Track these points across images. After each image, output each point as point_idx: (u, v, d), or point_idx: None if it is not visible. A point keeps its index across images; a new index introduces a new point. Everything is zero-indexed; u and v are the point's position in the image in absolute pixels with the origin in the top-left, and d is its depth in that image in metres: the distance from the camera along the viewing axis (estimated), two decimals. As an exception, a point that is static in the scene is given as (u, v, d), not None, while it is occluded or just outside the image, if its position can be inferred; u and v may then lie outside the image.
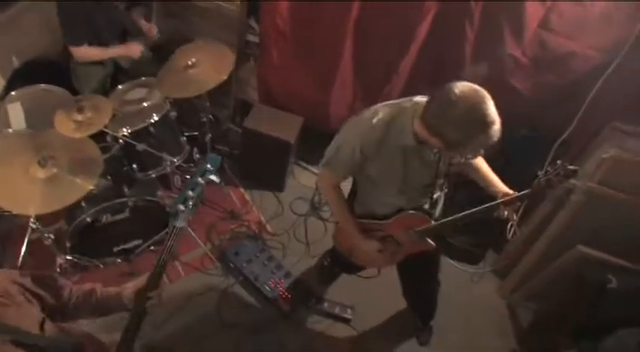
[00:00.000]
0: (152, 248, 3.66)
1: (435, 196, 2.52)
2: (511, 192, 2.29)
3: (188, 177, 3.75)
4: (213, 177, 2.01)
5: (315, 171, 4.38)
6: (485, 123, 1.90)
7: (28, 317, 1.72)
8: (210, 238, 3.87)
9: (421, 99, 2.19)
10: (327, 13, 3.49)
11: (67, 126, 3.05)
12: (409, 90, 3.62)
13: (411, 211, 2.51)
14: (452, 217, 2.42)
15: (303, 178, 4.37)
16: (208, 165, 2.00)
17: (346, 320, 3.57)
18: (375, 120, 2.24)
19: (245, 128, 3.89)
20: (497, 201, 2.26)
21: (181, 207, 1.92)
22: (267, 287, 3.55)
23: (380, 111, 2.27)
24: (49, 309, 1.86)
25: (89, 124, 3.07)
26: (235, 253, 3.70)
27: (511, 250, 3.73)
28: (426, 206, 2.54)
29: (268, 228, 4.01)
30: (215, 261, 3.75)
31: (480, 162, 2.48)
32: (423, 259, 2.77)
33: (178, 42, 3.83)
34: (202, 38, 3.93)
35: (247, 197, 4.19)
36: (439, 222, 2.50)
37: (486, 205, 2.28)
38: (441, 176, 2.44)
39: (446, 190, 2.63)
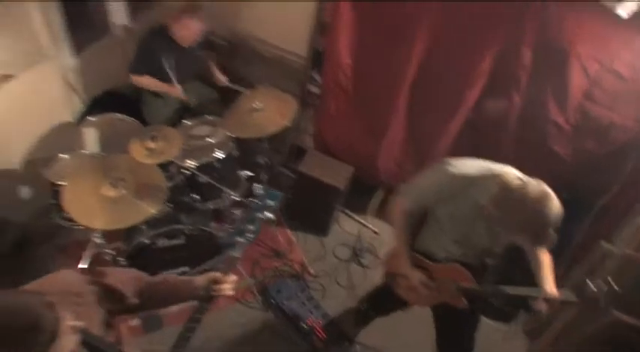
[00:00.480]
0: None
1: (487, 261, 2.63)
2: (555, 292, 2.44)
3: (240, 212, 3.98)
4: (269, 214, 2.17)
5: (360, 219, 4.55)
6: (542, 224, 2.11)
7: (95, 318, 1.83)
8: (254, 273, 4.04)
9: (511, 171, 2.34)
10: (386, 73, 3.73)
11: (140, 152, 3.33)
12: (456, 151, 3.83)
13: (460, 266, 2.61)
14: (493, 289, 2.55)
15: (347, 225, 4.54)
16: (269, 201, 2.18)
17: (377, 365, 3.65)
18: (464, 170, 2.38)
19: (298, 172, 4.10)
20: (537, 295, 2.43)
21: (239, 239, 2.08)
22: (304, 325, 3.68)
23: (474, 166, 2.40)
24: (125, 302, 1.98)
25: (160, 153, 3.34)
26: (277, 290, 3.87)
27: (543, 312, 3.76)
28: (476, 265, 2.64)
29: (310, 269, 4.16)
30: (257, 294, 3.91)
31: (543, 254, 2.56)
32: (463, 315, 2.81)
33: (242, 86, 4.17)
34: (264, 85, 4.22)
35: (293, 238, 4.36)
36: (480, 288, 2.60)
37: (526, 294, 2.46)
38: (500, 248, 2.55)
39: (499, 261, 2.73)
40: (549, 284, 2.49)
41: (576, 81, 3.24)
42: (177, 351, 1.95)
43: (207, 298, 2.01)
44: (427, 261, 2.73)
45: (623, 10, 2.84)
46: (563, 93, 3.31)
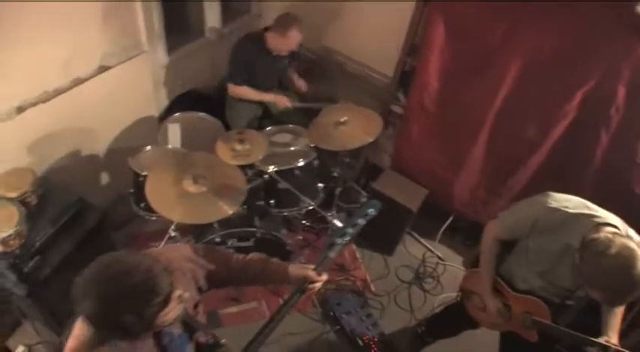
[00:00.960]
0: (261, 282, 3.87)
1: (568, 302, 2.56)
2: (614, 341, 2.35)
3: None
4: (362, 221, 2.23)
5: (426, 244, 4.55)
6: (622, 288, 2.05)
7: (191, 296, 1.91)
8: (316, 284, 4.04)
9: (611, 221, 2.26)
10: (471, 101, 3.71)
11: (226, 153, 3.41)
12: (532, 186, 3.79)
13: (540, 300, 2.57)
14: (567, 330, 2.45)
15: (413, 248, 4.53)
16: (370, 210, 2.24)
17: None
18: (562, 206, 2.33)
19: (373, 189, 4.12)
20: (603, 342, 2.32)
21: (338, 241, 2.15)
22: (360, 341, 3.68)
23: (574, 203, 2.34)
24: (213, 278, 2.06)
25: (246, 155, 3.42)
26: (337, 303, 3.89)
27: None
28: (556, 303, 2.58)
29: (372, 287, 4.16)
30: (317, 306, 3.93)
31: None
32: (530, 349, 2.77)
33: (323, 99, 4.26)
34: (346, 101, 4.27)
35: (358, 255, 4.38)
36: (555, 327, 2.53)
37: (593, 340, 2.34)
38: (583, 292, 2.46)
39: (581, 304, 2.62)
40: (613, 330, 2.42)
41: (668, 123, 3.17)
42: (260, 339, 2.02)
43: (302, 290, 2.09)
44: (507, 288, 2.69)
45: None
46: (654, 136, 3.24)
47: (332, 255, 2.13)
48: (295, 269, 2.14)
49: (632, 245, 2.06)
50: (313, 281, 2.09)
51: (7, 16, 2.81)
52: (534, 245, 2.46)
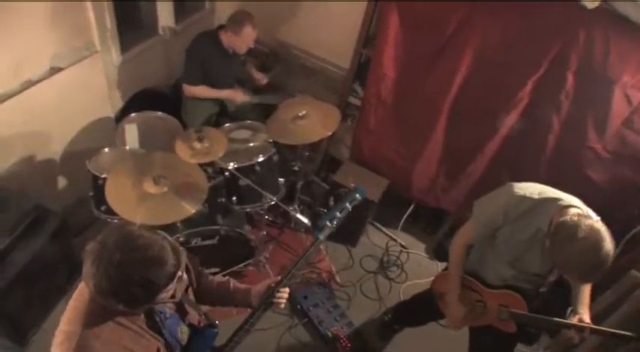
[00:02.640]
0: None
1: (541, 290, 2.62)
2: (587, 319, 2.46)
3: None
4: (349, 206, 2.36)
5: (388, 233, 4.59)
6: (591, 267, 2.11)
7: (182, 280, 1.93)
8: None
9: (575, 203, 2.34)
10: (427, 90, 3.78)
11: (186, 152, 3.37)
12: (490, 172, 3.88)
13: (514, 292, 2.63)
14: (543, 317, 2.55)
15: (376, 238, 4.58)
16: (357, 195, 2.37)
17: (397, 380, 3.66)
18: (528, 193, 2.39)
19: (333, 181, 4.15)
20: (596, 327, 2.45)
21: (328, 224, 2.25)
22: (328, 333, 3.71)
23: (538, 190, 2.41)
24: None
25: (205, 153, 3.38)
26: (304, 296, 3.91)
27: (568, 336, 3.75)
28: (530, 292, 2.66)
29: (337, 278, 4.19)
30: (284, 300, 3.92)
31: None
32: (502, 338, 2.83)
33: (280, 94, 4.29)
34: (303, 94, 4.27)
35: (322, 247, 4.37)
36: (531, 315, 2.60)
37: (569, 323, 2.45)
38: (554, 276, 2.53)
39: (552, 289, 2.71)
40: (584, 308, 2.52)
41: (617, 108, 3.27)
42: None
43: (267, 305, 2.16)
44: (480, 285, 2.75)
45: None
46: (603, 120, 3.34)
47: (322, 236, 2.24)
48: (258, 289, 2.23)
49: (598, 225, 2.14)
50: (279, 291, 2.16)
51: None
52: (504, 235, 2.52)
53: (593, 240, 2.09)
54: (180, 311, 1.99)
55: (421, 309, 3.38)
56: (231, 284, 2.27)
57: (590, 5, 2.75)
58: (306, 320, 3.83)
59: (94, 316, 1.68)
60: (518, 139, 3.73)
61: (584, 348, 3.50)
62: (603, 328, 2.51)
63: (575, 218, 2.17)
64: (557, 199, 2.35)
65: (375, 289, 4.20)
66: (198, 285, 2.18)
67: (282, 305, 2.20)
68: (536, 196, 2.38)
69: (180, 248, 1.68)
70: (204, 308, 2.15)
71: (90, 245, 1.59)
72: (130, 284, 1.55)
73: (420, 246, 4.57)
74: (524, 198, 2.38)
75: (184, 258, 1.69)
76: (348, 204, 2.33)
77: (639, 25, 2.86)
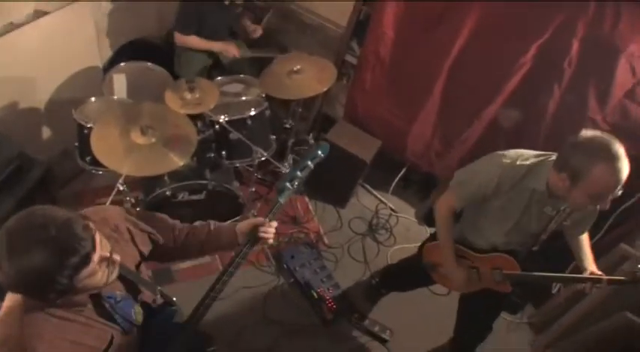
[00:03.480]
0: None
1: (534, 249, 2.62)
2: (597, 271, 2.48)
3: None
4: (310, 164, 2.17)
5: (379, 195, 4.55)
6: (610, 153, 2.05)
7: (130, 256, 1.83)
8: (269, 237, 4.02)
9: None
10: (427, 51, 3.70)
11: (176, 102, 3.29)
12: (486, 138, 3.82)
13: (505, 254, 2.62)
14: (542, 274, 2.57)
15: (366, 200, 4.54)
16: (319, 152, 2.19)
17: (383, 341, 3.65)
18: (519, 162, 2.35)
19: (326, 140, 4.05)
20: (589, 276, 2.46)
21: (288, 185, 2.10)
22: (314, 293, 3.69)
23: (526, 155, 2.38)
24: (159, 249, 1.99)
25: (196, 104, 3.31)
26: (291, 256, 3.87)
27: (552, 306, 3.77)
28: (521, 252, 2.66)
29: (325, 239, 4.17)
30: (271, 259, 3.91)
31: (584, 236, 2.63)
32: (489, 301, 2.85)
33: (274, 49, 4.18)
34: (299, 50, 4.17)
35: (311, 207, 4.37)
36: (528, 274, 2.60)
37: (577, 276, 2.50)
38: (547, 234, 2.53)
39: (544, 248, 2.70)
40: (591, 262, 2.56)
41: (621, 79, 3.21)
42: (212, 294, 1.97)
43: (254, 239, 2.01)
44: (470, 252, 2.72)
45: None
46: (606, 90, 3.28)
47: (282, 200, 2.09)
48: (243, 224, 2.07)
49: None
50: (264, 225, 2.02)
51: None
52: (496, 206, 2.48)
53: (599, 135, 2.12)
54: (132, 291, 1.83)
55: (408, 275, 3.37)
56: (212, 226, 2.12)
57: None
58: (293, 280, 3.81)
59: (32, 315, 1.53)
60: (516, 106, 3.67)
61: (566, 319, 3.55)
62: (608, 277, 2.46)
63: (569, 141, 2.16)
64: (546, 158, 2.34)
65: (363, 251, 4.17)
66: (175, 242, 2.06)
67: (271, 240, 2.06)
68: (527, 162, 2.35)
69: (91, 225, 1.48)
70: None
71: None
72: (35, 271, 1.37)
73: (410, 210, 4.53)
74: (515, 166, 2.35)
75: (102, 239, 1.51)
76: (309, 162, 2.15)
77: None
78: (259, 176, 4.24)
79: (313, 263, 3.88)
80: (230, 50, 4.00)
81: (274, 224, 2.06)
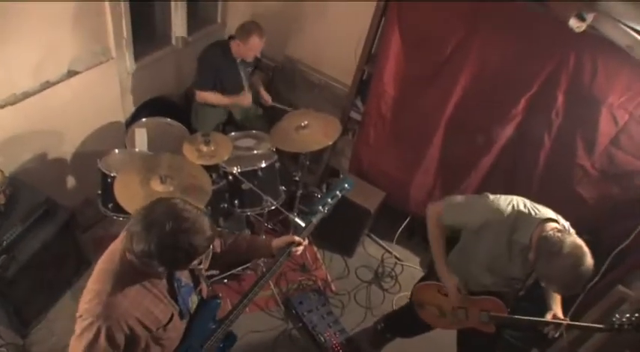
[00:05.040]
0: (225, 281, 4.01)
1: (520, 293, 2.76)
2: (560, 314, 2.66)
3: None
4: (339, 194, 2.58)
5: (384, 245, 4.74)
6: (573, 282, 2.30)
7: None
8: (278, 283, 4.21)
9: (551, 216, 2.52)
10: (425, 107, 3.94)
11: (192, 153, 3.53)
12: (484, 187, 4.02)
13: (494, 298, 2.78)
14: (522, 317, 2.71)
15: (372, 249, 4.72)
16: (346, 185, 2.59)
17: (387, 388, 3.75)
18: (509, 208, 2.54)
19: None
20: (550, 320, 2.63)
21: (320, 208, 2.49)
22: (322, 338, 3.82)
23: (513, 202, 2.58)
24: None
25: (211, 156, 3.55)
26: (299, 302, 4.03)
27: (556, 350, 3.84)
28: (509, 295, 2.80)
29: (332, 286, 4.33)
30: (280, 304, 4.07)
31: None
32: (487, 342, 3.00)
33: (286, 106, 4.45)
34: (308, 108, 4.44)
35: (319, 255, 4.54)
36: (511, 317, 2.77)
37: (546, 320, 2.63)
38: (531, 279, 2.67)
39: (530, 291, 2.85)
40: (557, 305, 2.71)
41: (605, 128, 3.40)
42: (248, 297, 2.35)
43: (288, 252, 2.40)
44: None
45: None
46: (592, 138, 3.47)
47: (315, 220, 2.47)
48: (278, 241, 2.43)
49: (579, 241, 2.32)
50: (298, 244, 2.39)
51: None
52: (484, 245, 2.66)
53: (577, 255, 2.27)
54: (195, 281, 2.22)
55: (409, 319, 3.48)
56: (248, 238, 2.54)
57: (578, 29, 2.90)
58: (301, 324, 3.94)
59: (123, 277, 1.88)
60: (511, 156, 3.87)
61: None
62: (577, 323, 2.69)
63: (558, 234, 2.34)
64: (532, 214, 2.51)
65: (367, 298, 4.31)
66: (225, 246, 2.41)
67: (299, 252, 2.44)
68: (515, 210, 2.54)
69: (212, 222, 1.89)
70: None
71: (138, 213, 1.82)
72: (178, 249, 1.78)
73: (415, 259, 4.68)
74: (504, 212, 2.54)
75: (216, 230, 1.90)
76: (338, 192, 2.52)
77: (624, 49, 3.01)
78: (269, 225, 4.45)
79: (321, 308, 4.03)
80: (245, 101, 4.29)
81: (305, 241, 2.43)
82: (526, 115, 3.62)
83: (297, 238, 2.40)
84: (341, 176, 4.54)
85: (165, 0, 4.36)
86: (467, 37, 3.52)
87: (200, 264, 1.94)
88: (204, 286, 2.31)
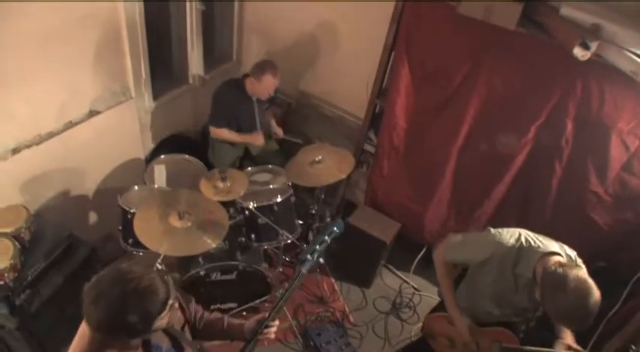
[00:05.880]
0: (244, 313, 4.05)
1: (531, 324, 2.78)
2: (573, 344, 2.61)
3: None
4: (328, 239, 2.46)
5: (401, 275, 4.75)
6: (581, 318, 2.28)
7: (176, 318, 2.08)
8: (296, 315, 4.25)
9: (554, 249, 2.50)
10: (437, 138, 3.99)
11: (209, 190, 3.64)
12: (498, 215, 4.05)
13: (504, 329, 2.78)
14: (531, 348, 2.66)
15: (389, 280, 4.73)
16: (335, 228, 2.47)
17: None
18: (512, 241, 2.56)
19: (348, 224, 4.32)
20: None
21: (309, 257, 2.37)
22: (339, 369, 3.83)
23: (515, 235, 2.58)
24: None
25: (227, 192, 3.65)
26: (318, 333, 4.05)
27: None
28: (520, 325, 2.82)
29: (350, 318, 4.34)
30: (298, 336, 4.09)
31: None
32: None
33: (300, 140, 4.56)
34: (321, 141, 4.53)
35: (337, 287, 4.57)
36: (521, 348, 2.73)
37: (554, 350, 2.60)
38: (540, 311, 2.69)
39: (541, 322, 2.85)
40: (568, 335, 2.66)
41: (616, 154, 3.40)
42: None
43: (255, 340, 2.29)
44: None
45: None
46: (603, 164, 3.47)
47: (304, 270, 2.34)
48: (249, 322, 2.37)
49: (583, 274, 2.30)
50: (267, 326, 2.29)
51: (8, 60, 3.06)
52: (489, 278, 2.68)
53: (582, 290, 2.24)
54: (177, 346, 2.12)
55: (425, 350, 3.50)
56: (225, 323, 2.42)
57: (583, 58, 2.95)
58: (319, 356, 3.97)
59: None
60: (523, 184, 3.89)
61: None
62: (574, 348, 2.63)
63: (561, 269, 2.31)
64: (535, 246, 2.52)
65: (387, 329, 4.31)
66: (195, 322, 2.38)
67: (272, 336, 2.34)
68: (517, 243, 2.55)
69: (168, 278, 1.85)
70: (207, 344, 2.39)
71: (87, 286, 1.77)
72: (128, 314, 1.72)
73: (433, 289, 4.65)
74: (506, 246, 2.55)
75: (173, 288, 1.85)
76: (326, 237, 2.44)
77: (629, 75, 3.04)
78: (286, 258, 4.51)
79: (339, 340, 4.03)
80: (257, 141, 4.37)
81: (276, 322, 2.33)
82: (536, 143, 3.64)
83: (262, 316, 2.33)
84: (327, 220, 4.61)
85: (182, 39, 4.50)
86: (473, 68, 3.57)
87: (168, 323, 1.91)
88: (188, 349, 2.19)
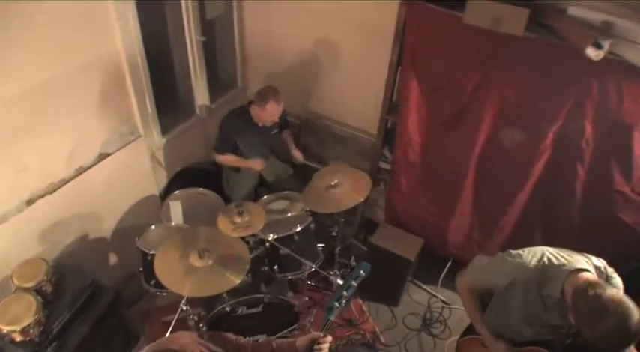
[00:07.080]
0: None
1: (568, 341, 2.63)
2: None
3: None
4: (355, 283, 2.41)
5: (429, 290, 4.67)
6: (623, 341, 2.16)
7: None
8: (327, 341, 4.15)
9: (580, 266, 2.37)
10: (453, 150, 3.92)
11: (227, 226, 3.57)
12: (522, 224, 3.96)
13: (539, 348, 2.68)
14: None
15: (417, 296, 4.64)
16: (361, 271, 2.43)
17: None
18: (534, 262, 2.46)
19: (371, 244, 4.29)
20: None
21: (336, 304, 2.32)
22: (375, 393, 3.76)
23: (543, 257, 2.47)
24: None
25: (246, 227, 3.58)
26: (349, 357, 3.98)
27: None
28: (556, 343, 2.67)
29: (382, 338, 4.26)
30: (330, 362, 4.01)
31: None
32: None
33: (316, 162, 4.50)
34: (338, 161, 4.46)
35: (365, 308, 4.49)
36: None
37: None
38: (574, 329, 2.54)
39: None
40: None
41: (639, 151, 3.33)
42: None
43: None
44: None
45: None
46: (628, 163, 3.39)
47: (332, 317, 2.30)
48: (302, 339, 2.32)
49: (618, 294, 2.17)
50: (320, 343, 2.25)
51: (14, 115, 3.06)
52: (516, 301, 2.59)
53: (621, 313, 2.10)
54: None
55: None
56: (274, 344, 2.37)
57: (597, 58, 2.87)
58: (353, 380, 3.90)
59: None
60: (546, 189, 3.80)
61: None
62: None
63: (593, 291, 2.17)
64: (559, 264, 2.42)
65: (420, 347, 4.24)
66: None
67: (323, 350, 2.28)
68: (540, 263, 2.45)
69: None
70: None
71: None
72: None
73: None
74: (529, 268, 2.46)
75: None
76: (353, 282, 2.39)
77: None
78: (312, 283, 4.45)
79: (371, 362, 3.98)
80: (256, 166, 4.32)
81: (329, 338, 2.29)
82: (556, 148, 3.56)
83: (318, 334, 2.28)
84: (352, 263, 4.57)
85: (185, 72, 4.49)
86: (484, 77, 3.50)
87: None
88: None
